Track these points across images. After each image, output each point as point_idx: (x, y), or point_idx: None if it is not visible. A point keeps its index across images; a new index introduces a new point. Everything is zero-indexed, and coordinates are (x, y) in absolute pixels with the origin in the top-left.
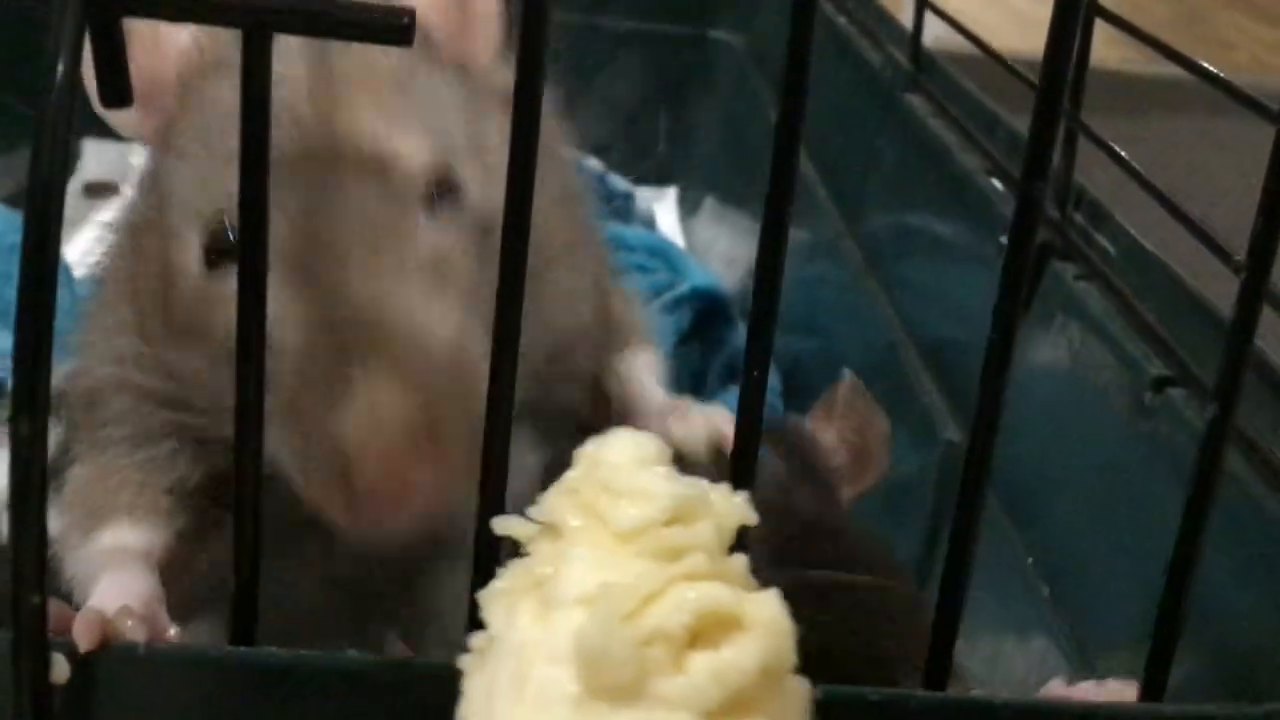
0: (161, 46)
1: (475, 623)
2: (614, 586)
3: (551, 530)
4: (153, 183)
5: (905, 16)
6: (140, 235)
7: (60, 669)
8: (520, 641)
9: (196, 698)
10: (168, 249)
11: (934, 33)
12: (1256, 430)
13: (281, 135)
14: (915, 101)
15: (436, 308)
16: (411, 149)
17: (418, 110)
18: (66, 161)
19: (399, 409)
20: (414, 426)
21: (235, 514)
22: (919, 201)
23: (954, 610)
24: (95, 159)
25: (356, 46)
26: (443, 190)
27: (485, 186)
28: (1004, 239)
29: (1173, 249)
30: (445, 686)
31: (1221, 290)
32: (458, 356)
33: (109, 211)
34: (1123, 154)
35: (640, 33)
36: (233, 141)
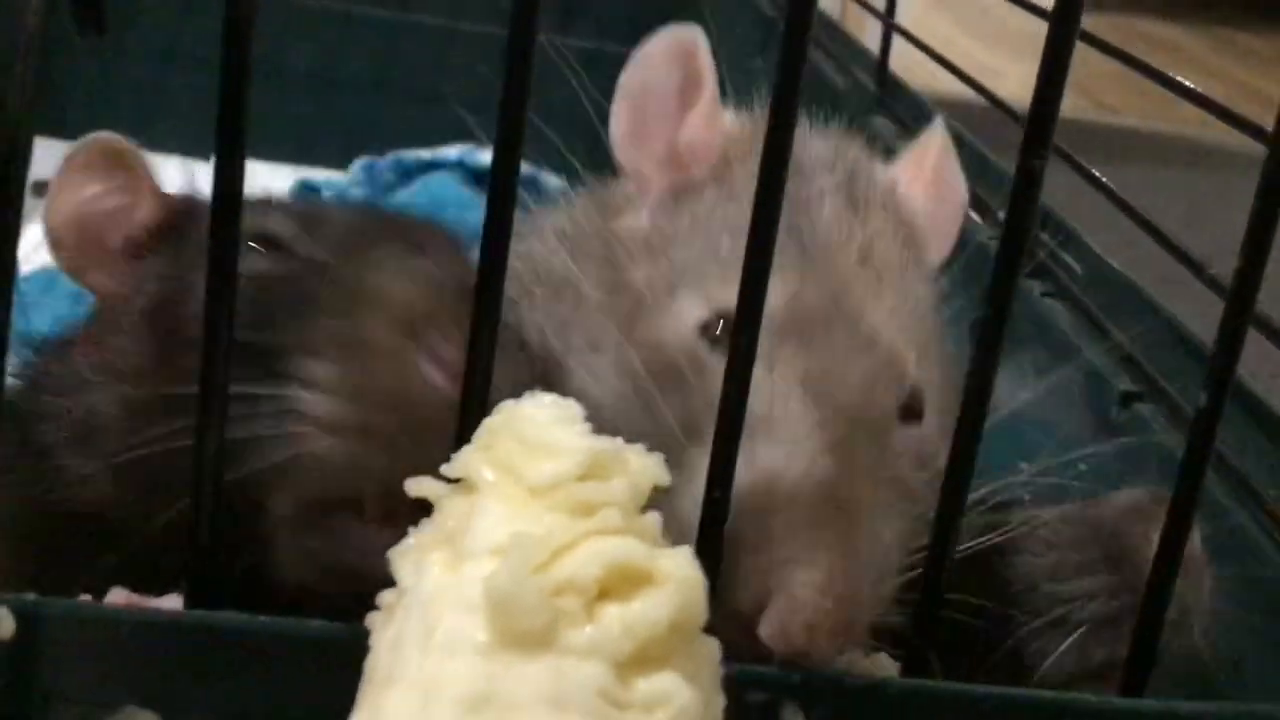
0: (713, 120)
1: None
2: (525, 537)
3: (464, 488)
4: (642, 222)
5: (867, 40)
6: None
7: (5, 624)
8: (429, 591)
9: (150, 660)
10: (647, 294)
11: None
12: (1228, 447)
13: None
14: (880, 124)
15: (891, 520)
16: (906, 360)
17: (912, 317)
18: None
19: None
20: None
21: (194, 474)
22: None
23: (934, 610)
24: (43, 157)
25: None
26: (909, 411)
27: (936, 415)
28: (1002, 214)
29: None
30: None
31: (1186, 310)
32: (889, 563)
33: None
34: (1095, 173)
35: (606, 53)
36: None
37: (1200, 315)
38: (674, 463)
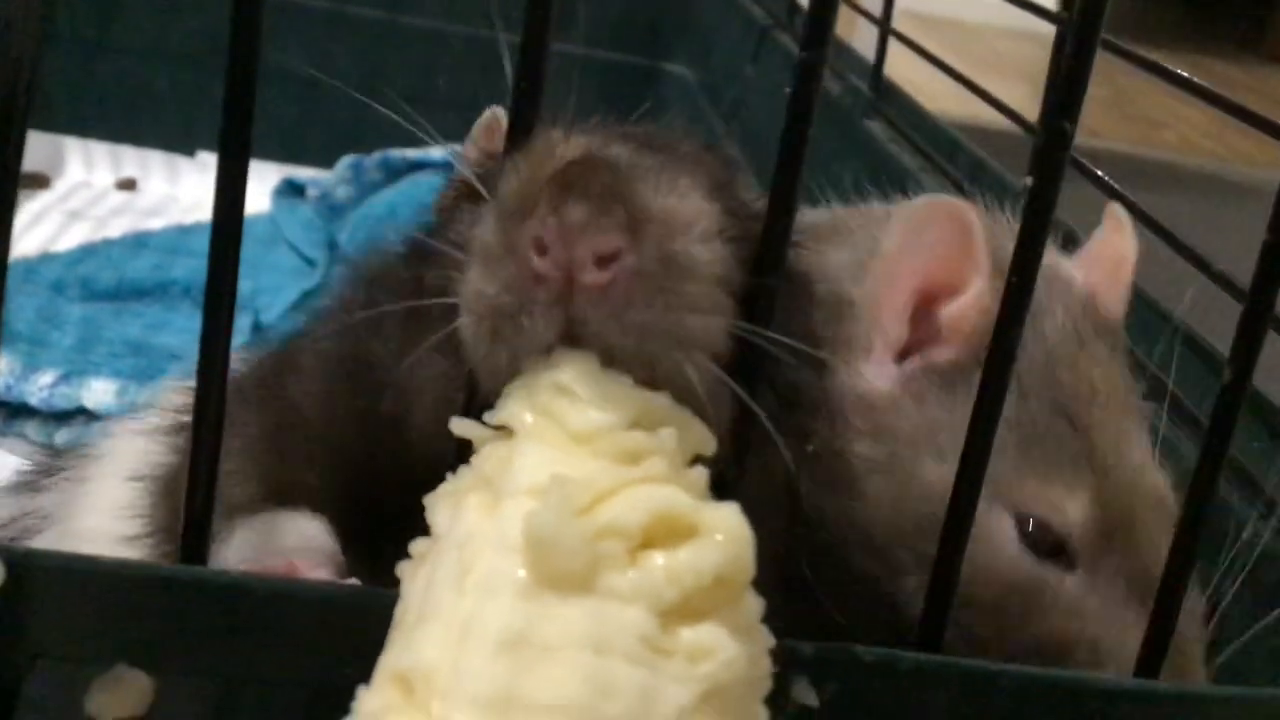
0: (987, 306)
1: None
2: (567, 479)
3: (504, 435)
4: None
5: (859, 45)
6: None
7: None
8: (465, 533)
9: (141, 617)
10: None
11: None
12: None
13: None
14: (875, 128)
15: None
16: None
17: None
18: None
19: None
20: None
21: (194, 431)
22: None
23: (944, 605)
24: (31, 150)
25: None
26: None
27: None
28: (1027, 180)
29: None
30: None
31: (1197, 321)
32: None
33: (38, 202)
34: (1105, 177)
35: (595, 61)
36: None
37: (1199, 320)
38: None
